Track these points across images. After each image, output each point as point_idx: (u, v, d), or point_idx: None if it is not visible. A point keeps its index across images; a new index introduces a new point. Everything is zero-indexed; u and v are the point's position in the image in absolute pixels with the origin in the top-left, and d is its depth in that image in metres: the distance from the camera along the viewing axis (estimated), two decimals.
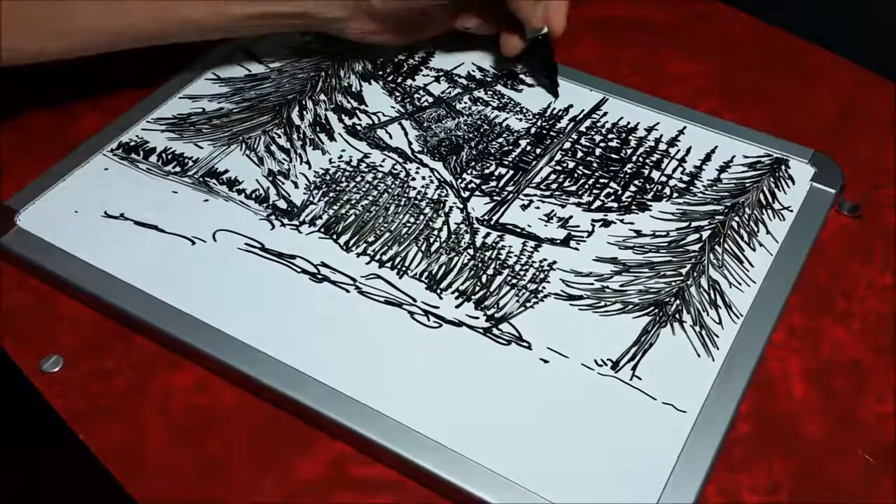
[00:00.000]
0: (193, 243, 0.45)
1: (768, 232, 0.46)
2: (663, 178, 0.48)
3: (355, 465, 0.38)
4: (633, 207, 0.47)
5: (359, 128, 0.52)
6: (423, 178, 0.49)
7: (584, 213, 0.47)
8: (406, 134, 0.51)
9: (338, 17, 0.50)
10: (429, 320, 0.42)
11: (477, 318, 0.42)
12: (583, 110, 0.52)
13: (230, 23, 0.49)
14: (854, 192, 0.48)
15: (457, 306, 0.42)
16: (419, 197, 0.48)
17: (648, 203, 0.47)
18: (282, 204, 0.47)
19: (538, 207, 0.47)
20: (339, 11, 0.49)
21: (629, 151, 0.50)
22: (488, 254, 0.45)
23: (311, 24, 0.51)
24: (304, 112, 0.53)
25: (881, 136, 0.52)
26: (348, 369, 0.40)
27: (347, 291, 0.43)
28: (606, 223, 0.46)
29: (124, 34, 0.47)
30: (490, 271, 0.44)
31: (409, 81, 0.55)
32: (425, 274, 0.44)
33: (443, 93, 0.54)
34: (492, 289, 0.43)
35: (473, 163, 0.49)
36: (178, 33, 0.48)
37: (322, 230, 0.46)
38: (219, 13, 0.48)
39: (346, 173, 0.49)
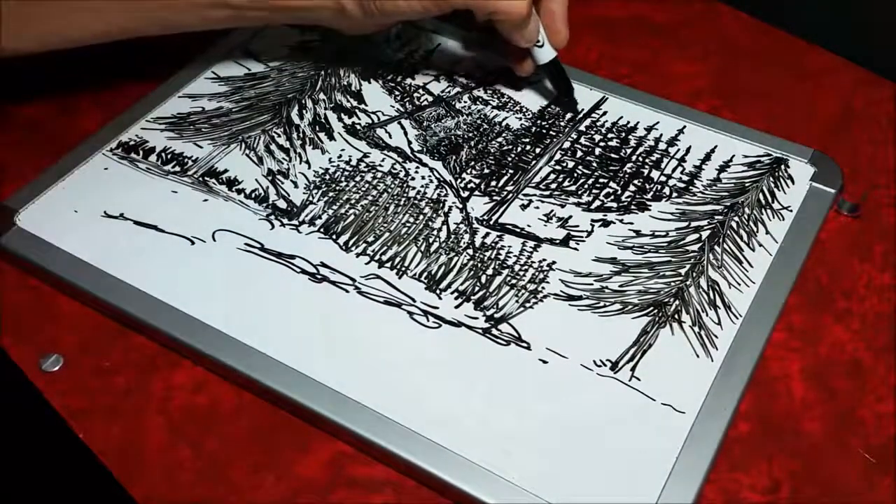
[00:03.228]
0: (193, 243, 0.45)
1: (768, 232, 0.46)
2: (663, 178, 0.48)
3: (354, 465, 0.38)
4: (633, 207, 0.47)
5: (358, 127, 0.52)
6: (423, 177, 0.49)
7: (584, 212, 0.47)
8: (405, 133, 0.51)
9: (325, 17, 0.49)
10: (428, 320, 0.42)
11: (476, 318, 0.42)
12: (582, 109, 0.52)
13: (216, 24, 0.49)
14: (854, 192, 0.48)
15: (456, 306, 0.42)
16: (418, 196, 0.48)
17: (648, 203, 0.47)
18: (281, 204, 0.47)
19: (538, 207, 0.47)
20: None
21: (629, 151, 0.50)
22: (488, 254, 0.45)
23: (304, 18, 0.50)
24: (304, 111, 0.53)
25: (881, 136, 0.52)
26: (347, 369, 0.40)
27: (347, 291, 0.43)
28: (606, 223, 0.46)
29: (98, 36, 0.47)
30: (489, 271, 0.44)
31: (408, 80, 0.55)
32: (425, 274, 0.44)
33: (442, 91, 0.54)
34: (491, 289, 0.43)
35: (473, 162, 0.49)
36: (160, 32, 0.49)
37: (321, 230, 0.46)
38: (202, 17, 0.48)
39: (346, 173, 0.49)
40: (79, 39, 0.47)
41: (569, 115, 0.52)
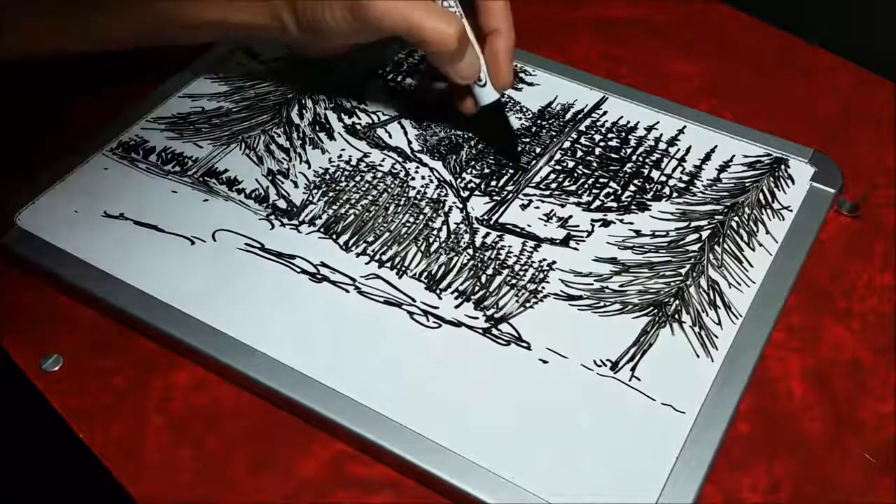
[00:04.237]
0: (193, 243, 0.45)
1: (768, 232, 0.46)
2: (663, 178, 0.48)
3: (354, 465, 0.38)
4: (633, 207, 0.47)
5: (358, 127, 0.52)
6: (423, 177, 0.49)
7: (584, 212, 0.47)
8: (406, 133, 0.51)
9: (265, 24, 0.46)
10: (428, 320, 0.42)
11: (476, 318, 0.42)
12: (582, 109, 0.52)
13: (173, 40, 0.48)
14: (854, 192, 0.48)
15: (456, 306, 0.42)
16: (419, 196, 0.48)
17: (648, 203, 0.47)
18: (281, 203, 0.47)
19: (538, 207, 0.47)
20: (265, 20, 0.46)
21: (629, 151, 0.50)
22: (488, 254, 0.45)
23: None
24: (304, 111, 0.53)
25: (881, 136, 0.52)
26: (347, 369, 0.40)
27: (347, 291, 0.43)
28: (606, 223, 0.46)
29: (84, 47, 0.47)
30: (489, 271, 0.44)
31: (408, 80, 0.55)
32: (425, 274, 0.44)
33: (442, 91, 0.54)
34: (491, 289, 0.43)
35: (473, 162, 0.49)
36: (124, 48, 0.48)
37: (321, 230, 0.46)
38: (162, 35, 0.47)
39: (346, 173, 0.49)
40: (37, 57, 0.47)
41: (569, 115, 0.52)
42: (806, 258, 0.44)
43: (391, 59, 0.56)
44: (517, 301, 0.43)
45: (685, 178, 0.48)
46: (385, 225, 0.46)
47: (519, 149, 0.50)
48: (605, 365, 0.40)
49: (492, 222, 0.46)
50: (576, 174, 0.49)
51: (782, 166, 0.49)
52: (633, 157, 0.50)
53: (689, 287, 0.43)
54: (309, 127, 0.52)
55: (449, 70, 0.45)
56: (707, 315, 0.42)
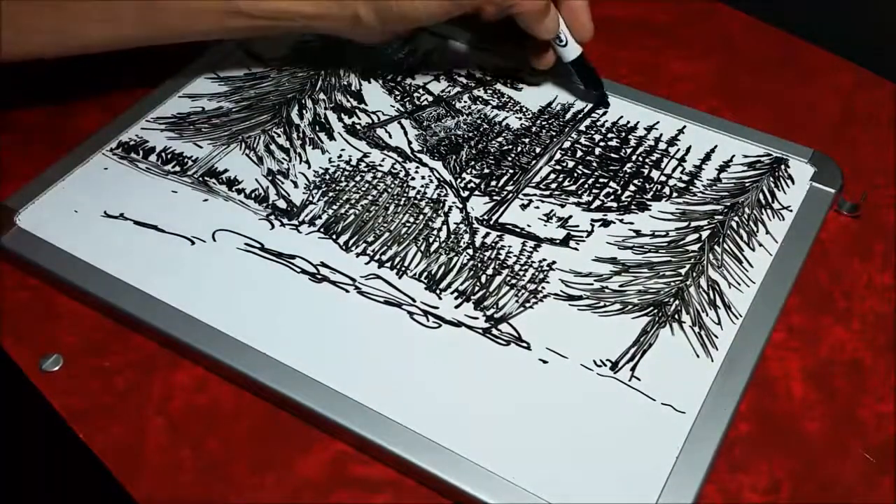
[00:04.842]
0: (193, 243, 0.45)
1: (768, 232, 0.46)
2: (663, 178, 0.48)
3: (355, 465, 0.38)
4: (633, 207, 0.47)
5: (358, 127, 0.52)
6: (423, 177, 0.49)
7: (584, 212, 0.47)
8: (406, 133, 0.51)
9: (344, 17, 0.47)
10: (428, 320, 0.42)
11: (476, 318, 0.42)
12: (582, 109, 0.52)
13: (234, 34, 0.48)
14: (854, 192, 0.48)
15: (456, 306, 0.42)
16: (418, 196, 0.48)
17: (648, 203, 0.47)
18: (281, 204, 0.47)
19: (538, 207, 0.47)
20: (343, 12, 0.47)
21: (629, 151, 0.50)
22: (488, 254, 0.45)
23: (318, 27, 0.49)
24: (304, 111, 0.53)
25: (881, 136, 0.52)
26: (347, 369, 0.40)
27: (347, 291, 0.43)
28: (606, 223, 0.46)
29: (111, 44, 0.47)
30: (489, 271, 0.44)
31: (408, 80, 0.55)
32: (424, 274, 0.44)
33: (442, 91, 0.54)
34: (491, 289, 0.43)
35: (473, 162, 0.49)
36: (178, 41, 0.48)
37: (321, 230, 0.46)
38: (220, 27, 0.47)
39: (346, 173, 0.49)
40: (95, 46, 0.47)
41: (569, 115, 0.52)
42: (806, 258, 0.44)
43: (391, 59, 0.56)
44: (517, 301, 0.43)
45: (685, 178, 0.48)
46: (385, 225, 0.46)
47: (606, 94, 0.53)
48: (605, 365, 0.40)
49: (492, 222, 0.46)
50: (576, 174, 0.49)
51: (782, 166, 0.49)
52: (633, 157, 0.50)
53: (689, 287, 0.43)
54: (309, 127, 0.52)
55: (537, 27, 0.48)
56: (707, 315, 0.42)
